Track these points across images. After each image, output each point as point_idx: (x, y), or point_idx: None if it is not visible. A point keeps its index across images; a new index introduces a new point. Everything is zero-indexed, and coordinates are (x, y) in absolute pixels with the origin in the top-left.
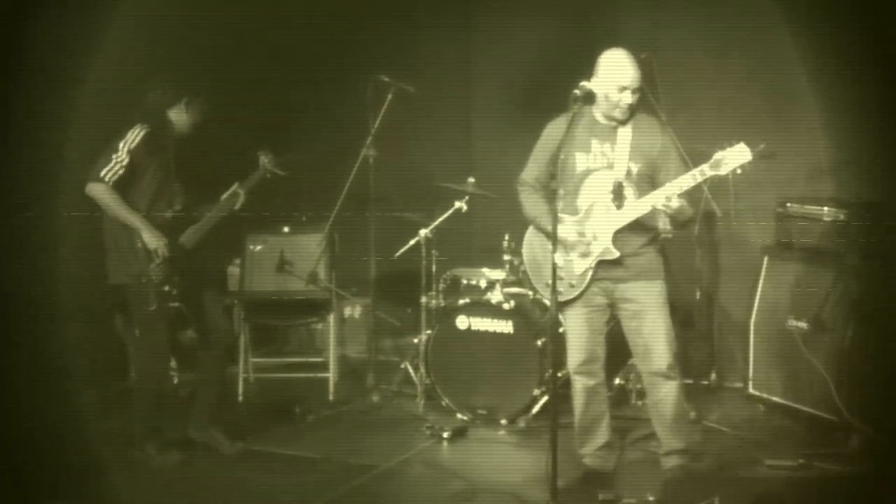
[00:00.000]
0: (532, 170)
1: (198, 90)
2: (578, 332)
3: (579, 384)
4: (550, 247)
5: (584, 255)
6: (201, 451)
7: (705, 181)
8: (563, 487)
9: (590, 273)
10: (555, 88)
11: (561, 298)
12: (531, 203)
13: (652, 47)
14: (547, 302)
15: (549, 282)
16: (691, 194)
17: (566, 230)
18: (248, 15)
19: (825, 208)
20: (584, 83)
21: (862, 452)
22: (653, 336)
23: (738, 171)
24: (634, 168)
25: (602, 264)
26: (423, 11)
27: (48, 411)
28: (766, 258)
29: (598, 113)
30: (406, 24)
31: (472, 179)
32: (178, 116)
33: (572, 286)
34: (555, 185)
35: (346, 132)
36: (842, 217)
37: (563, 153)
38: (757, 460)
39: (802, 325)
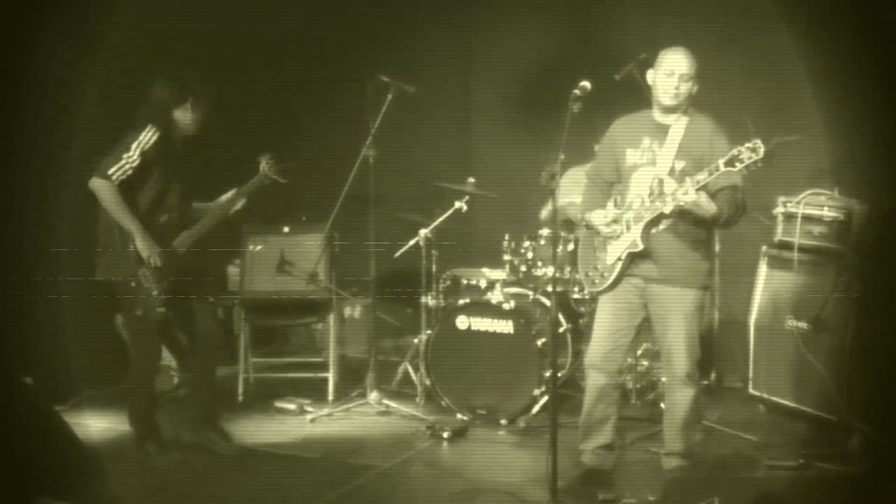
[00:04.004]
0: (594, 165)
1: (200, 88)
2: (600, 326)
3: (591, 380)
4: (593, 239)
5: (615, 246)
6: (201, 450)
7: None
8: (563, 487)
9: (619, 265)
10: (554, 88)
11: (594, 289)
12: (586, 196)
13: (652, 47)
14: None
15: (588, 272)
16: (730, 194)
17: (607, 222)
18: (247, 16)
19: (825, 208)
20: (584, 83)
21: (862, 452)
22: (675, 343)
23: (749, 168)
24: (679, 166)
25: (635, 260)
26: (424, 12)
27: (48, 410)
28: (766, 258)
29: (655, 111)
30: (406, 25)
31: (472, 179)
32: (184, 116)
33: (604, 277)
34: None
35: (346, 132)
36: (842, 217)
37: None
38: (757, 460)
39: (802, 325)
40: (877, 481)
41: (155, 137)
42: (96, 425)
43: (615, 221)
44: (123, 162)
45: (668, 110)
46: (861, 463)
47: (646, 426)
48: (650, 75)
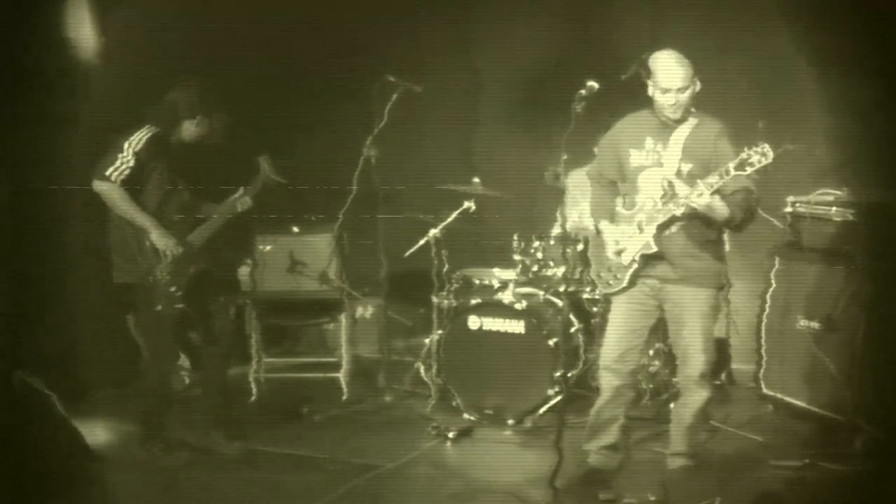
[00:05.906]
0: (595, 165)
1: (214, 109)
2: (615, 328)
3: (605, 381)
4: (602, 240)
5: (629, 248)
6: (206, 451)
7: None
8: (565, 487)
9: (633, 266)
10: (558, 88)
11: (607, 290)
12: (594, 197)
13: (652, 47)
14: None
15: (601, 273)
16: (743, 196)
17: (618, 224)
18: (252, 15)
19: (834, 208)
20: (590, 83)
21: (867, 453)
22: (690, 343)
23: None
24: (685, 168)
25: (649, 261)
26: (427, 11)
27: (53, 410)
28: (777, 258)
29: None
30: (409, 25)
31: (476, 179)
32: (189, 127)
33: (618, 278)
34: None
35: (355, 132)
36: (851, 217)
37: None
38: (761, 460)
39: (814, 324)
40: (881, 481)
41: (146, 137)
42: (104, 426)
43: (629, 227)
44: (119, 162)
45: (674, 120)
46: (865, 463)
47: (652, 426)
48: (649, 87)
